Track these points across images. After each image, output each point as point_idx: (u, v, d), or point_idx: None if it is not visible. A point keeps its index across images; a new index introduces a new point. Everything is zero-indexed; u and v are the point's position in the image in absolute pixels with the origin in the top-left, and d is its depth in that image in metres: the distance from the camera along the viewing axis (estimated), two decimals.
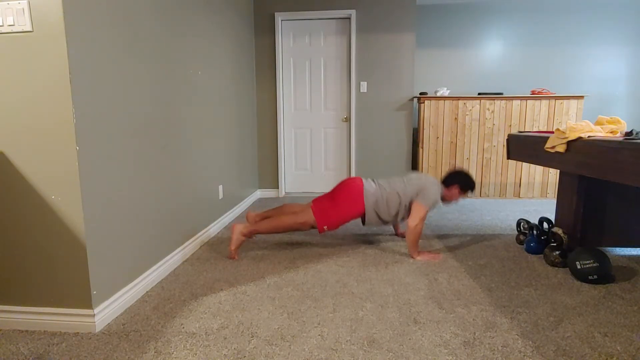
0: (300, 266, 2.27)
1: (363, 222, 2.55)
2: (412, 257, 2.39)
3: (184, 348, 1.45)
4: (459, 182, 2.50)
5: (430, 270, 2.19)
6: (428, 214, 2.43)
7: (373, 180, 2.56)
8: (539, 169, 4.17)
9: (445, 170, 4.21)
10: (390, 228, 3.07)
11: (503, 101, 4.08)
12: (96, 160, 1.58)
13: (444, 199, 2.55)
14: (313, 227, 2.43)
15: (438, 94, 4.12)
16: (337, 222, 2.43)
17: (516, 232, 2.93)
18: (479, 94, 4.15)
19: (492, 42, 4.63)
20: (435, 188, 2.43)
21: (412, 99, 4.19)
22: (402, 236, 2.83)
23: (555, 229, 2.35)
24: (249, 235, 2.39)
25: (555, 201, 4.08)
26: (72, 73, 1.43)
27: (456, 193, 2.52)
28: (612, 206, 2.39)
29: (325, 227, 2.41)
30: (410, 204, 2.44)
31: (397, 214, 2.49)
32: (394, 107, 4.21)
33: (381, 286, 1.99)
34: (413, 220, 2.35)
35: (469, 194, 2.59)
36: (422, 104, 4.11)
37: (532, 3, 4.56)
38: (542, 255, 2.42)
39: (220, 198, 3.07)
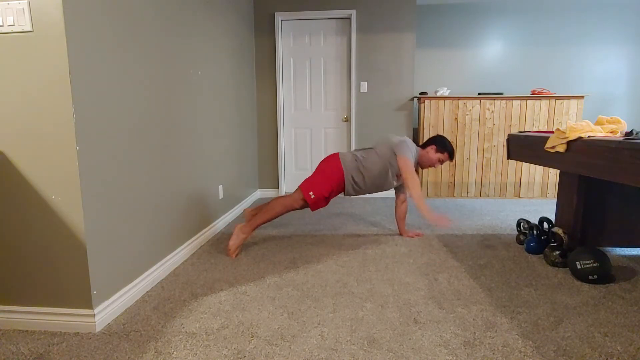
0: (300, 266, 2.27)
1: (344, 192, 2.63)
2: (422, 212, 2.40)
3: (184, 348, 1.45)
4: (435, 142, 2.64)
5: (430, 270, 2.19)
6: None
7: (352, 153, 2.68)
8: (539, 169, 4.17)
9: (444, 168, 4.21)
10: (394, 228, 3.07)
11: (503, 101, 4.08)
12: (96, 160, 1.58)
13: (423, 163, 2.68)
14: (305, 205, 2.49)
15: (438, 94, 4.12)
16: (321, 186, 2.48)
17: (516, 232, 2.93)
18: (479, 94, 4.15)
19: (492, 42, 4.63)
20: (408, 141, 2.58)
21: (412, 99, 4.19)
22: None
23: (555, 229, 2.35)
24: (250, 232, 2.42)
25: (555, 201, 4.08)
26: (72, 73, 1.43)
27: (433, 153, 2.64)
28: (612, 206, 2.39)
29: (311, 194, 2.46)
30: (396, 167, 2.56)
31: (380, 176, 2.57)
32: (394, 107, 4.21)
33: (381, 286, 1.99)
34: (404, 172, 2.46)
35: (448, 158, 2.68)
36: (422, 104, 4.11)
37: (532, 3, 4.55)
38: (542, 255, 2.42)
39: (220, 198, 3.07)
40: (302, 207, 2.50)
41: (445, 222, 2.33)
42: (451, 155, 2.67)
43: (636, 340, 1.49)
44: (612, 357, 1.38)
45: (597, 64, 4.62)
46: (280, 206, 2.44)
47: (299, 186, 2.52)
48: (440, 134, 2.73)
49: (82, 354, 1.42)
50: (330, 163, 2.57)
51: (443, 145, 2.63)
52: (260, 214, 2.43)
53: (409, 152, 2.53)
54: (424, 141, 2.71)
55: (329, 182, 2.51)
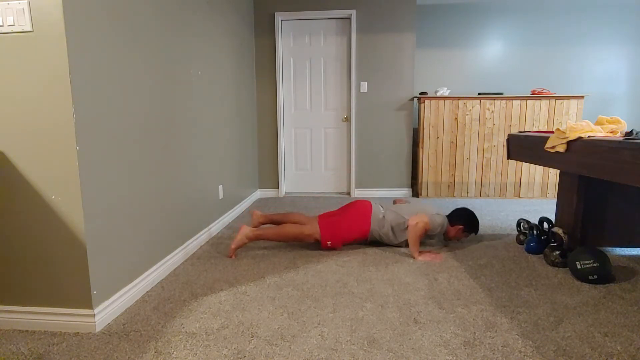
0: (300, 266, 2.27)
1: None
2: (414, 257, 2.39)
3: (184, 348, 1.45)
4: (464, 223, 2.56)
5: (430, 270, 2.19)
6: (430, 233, 2.47)
7: (382, 206, 2.61)
8: (539, 169, 4.17)
9: (445, 169, 4.21)
10: None
11: (503, 101, 4.08)
12: (96, 160, 1.58)
13: (447, 235, 2.60)
14: (317, 241, 2.47)
15: (438, 94, 4.12)
16: (342, 239, 2.47)
17: (516, 232, 2.93)
18: (479, 94, 4.15)
19: (492, 42, 4.63)
20: (442, 219, 2.48)
21: (412, 99, 4.19)
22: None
23: (555, 229, 2.35)
24: (253, 239, 2.42)
25: (555, 201, 4.08)
26: (72, 73, 1.43)
27: (460, 232, 2.57)
28: (612, 206, 2.39)
29: (328, 243, 2.45)
30: None
31: (400, 235, 2.52)
32: (394, 107, 4.21)
33: (381, 286, 1.99)
34: (413, 220, 2.37)
35: (473, 234, 2.61)
36: (422, 104, 4.11)
37: (532, 3, 4.56)
38: (542, 255, 2.41)
39: (220, 198, 3.07)
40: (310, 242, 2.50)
41: (437, 259, 2.35)
42: (477, 232, 2.64)
43: (636, 340, 1.49)
44: (612, 357, 1.38)
45: (597, 64, 4.62)
46: (293, 237, 2.42)
47: (318, 221, 2.45)
48: (467, 209, 2.61)
49: (82, 354, 1.42)
50: (362, 218, 2.48)
51: (471, 228, 2.56)
52: (271, 230, 2.41)
53: (434, 221, 2.44)
54: (452, 214, 2.60)
55: (352, 234, 2.48)
